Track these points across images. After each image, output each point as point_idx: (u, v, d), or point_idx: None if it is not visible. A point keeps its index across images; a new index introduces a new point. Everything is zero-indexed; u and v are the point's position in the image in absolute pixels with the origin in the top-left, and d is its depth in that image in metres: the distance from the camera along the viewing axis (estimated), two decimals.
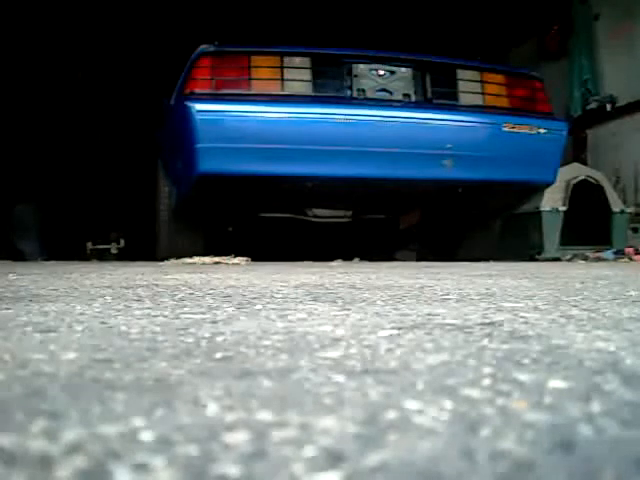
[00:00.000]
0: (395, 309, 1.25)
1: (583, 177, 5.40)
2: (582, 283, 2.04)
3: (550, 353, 0.78)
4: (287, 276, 2.35)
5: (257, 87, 3.91)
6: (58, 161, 8.24)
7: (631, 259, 4.68)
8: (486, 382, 0.62)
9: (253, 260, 4.06)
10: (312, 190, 4.28)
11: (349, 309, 1.25)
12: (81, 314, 1.18)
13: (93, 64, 8.32)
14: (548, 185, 4.69)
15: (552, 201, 5.23)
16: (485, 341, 0.87)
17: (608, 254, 4.88)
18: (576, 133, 6.25)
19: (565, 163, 4.99)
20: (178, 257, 4.08)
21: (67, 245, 7.37)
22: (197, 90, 3.87)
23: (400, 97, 4.13)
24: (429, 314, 1.17)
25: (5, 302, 1.40)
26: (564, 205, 5.27)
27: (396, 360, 0.74)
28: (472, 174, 4.19)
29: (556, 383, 0.62)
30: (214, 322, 1.06)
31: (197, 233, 4.57)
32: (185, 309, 1.26)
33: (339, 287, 1.82)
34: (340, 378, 0.64)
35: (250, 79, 3.90)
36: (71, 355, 0.77)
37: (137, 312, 1.20)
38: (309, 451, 0.43)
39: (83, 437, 0.45)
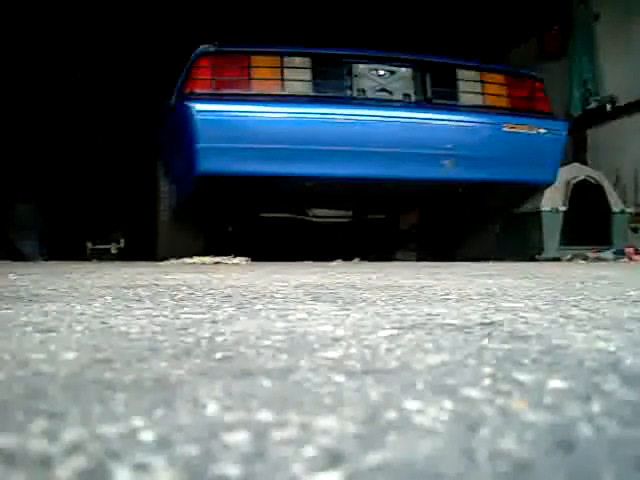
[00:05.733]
0: (395, 309, 1.25)
1: (583, 177, 5.41)
2: (582, 283, 2.04)
3: (550, 353, 0.78)
4: (287, 276, 2.35)
5: (257, 87, 3.91)
6: (58, 161, 8.24)
7: (631, 259, 4.68)
8: (486, 382, 0.62)
9: (253, 260, 4.06)
10: (312, 190, 4.28)
11: (349, 309, 1.25)
12: (81, 314, 1.18)
13: (92, 64, 8.31)
14: (548, 185, 4.69)
15: (552, 201, 5.23)
16: (485, 341, 0.87)
17: (608, 254, 4.88)
18: (576, 133, 6.25)
19: (565, 163, 4.99)
20: (178, 257, 4.07)
21: (67, 245, 7.37)
22: (197, 90, 3.87)
23: (400, 97, 4.12)
24: (429, 314, 1.17)
25: (5, 302, 1.40)
26: (564, 205, 5.27)
27: (396, 360, 0.74)
28: (472, 174, 4.18)
29: (556, 383, 0.62)
30: (214, 322, 1.06)
31: (197, 233, 4.57)
32: (185, 309, 1.26)
33: (339, 287, 1.82)
34: (340, 378, 0.64)
35: (250, 79, 3.90)
36: (71, 355, 0.77)
37: (137, 312, 1.20)
38: (309, 451, 0.43)
39: (83, 437, 0.45)
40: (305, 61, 4.00)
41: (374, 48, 4.36)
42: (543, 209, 5.22)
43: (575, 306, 1.32)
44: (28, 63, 7.86)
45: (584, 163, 6.13)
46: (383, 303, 1.37)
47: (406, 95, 4.14)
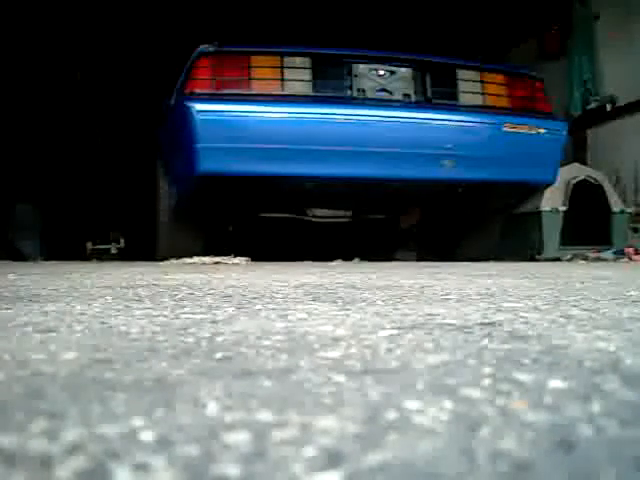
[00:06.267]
0: (395, 309, 1.25)
1: (583, 177, 5.40)
2: (582, 283, 2.04)
3: (550, 353, 0.78)
4: (287, 276, 2.35)
5: (257, 87, 3.91)
6: (58, 161, 8.24)
7: (631, 259, 4.68)
8: (486, 382, 0.62)
9: (253, 260, 4.06)
10: (312, 190, 4.28)
11: (349, 309, 1.25)
12: (81, 314, 1.18)
13: (92, 64, 8.31)
14: (548, 185, 4.69)
15: (552, 201, 5.23)
16: (485, 341, 0.87)
17: (608, 254, 4.88)
18: (576, 133, 6.25)
19: (565, 163, 4.99)
20: (178, 257, 4.07)
21: (67, 245, 7.37)
22: (197, 90, 3.87)
23: (400, 97, 4.12)
24: (429, 314, 1.17)
25: (5, 302, 1.40)
26: (564, 205, 5.27)
27: (396, 360, 0.74)
28: (472, 174, 4.18)
29: (556, 383, 0.62)
30: (214, 322, 1.06)
31: (197, 233, 4.57)
32: (185, 309, 1.26)
33: (339, 287, 1.82)
34: (340, 378, 0.64)
35: (250, 79, 3.90)
36: (71, 355, 0.77)
37: (137, 312, 1.20)
38: (309, 451, 0.43)
39: (83, 437, 0.45)
40: (305, 61, 4.01)
41: (374, 48, 4.36)
42: (543, 209, 5.22)
43: (575, 306, 1.32)
44: (28, 64, 7.86)
45: (584, 163, 6.13)
46: (383, 303, 1.37)
47: (406, 95, 4.14)
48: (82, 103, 8.52)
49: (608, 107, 6.34)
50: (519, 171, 4.28)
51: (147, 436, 0.46)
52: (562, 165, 4.73)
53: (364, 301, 1.41)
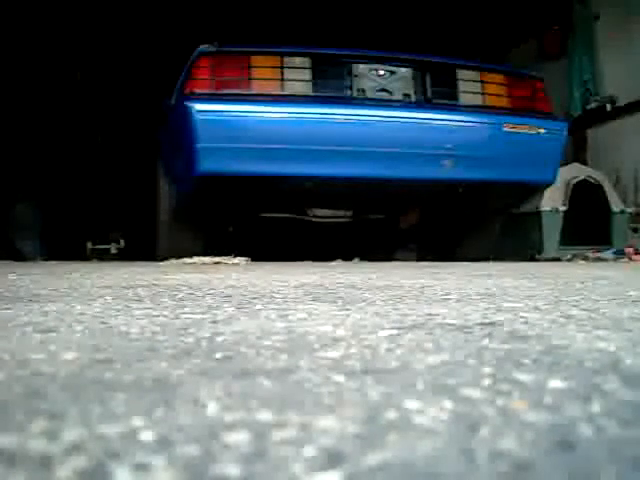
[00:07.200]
0: (395, 309, 1.25)
1: (583, 177, 5.41)
2: (582, 283, 2.04)
3: (550, 353, 0.78)
4: (287, 276, 2.35)
5: (257, 87, 3.91)
6: (58, 161, 8.24)
7: (631, 259, 4.68)
8: (486, 382, 0.62)
9: (253, 260, 4.06)
10: (312, 190, 4.28)
11: (349, 309, 1.25)
12: (81, 314, 1.18)
13: (92, 64, 8.31)
14: (548, 185, 4.69)
15: (552, 201, 5.23)
16: (485, 341, 0.87)
17: (608, 254, 4.88)
18: (576, 133, 6.25)
19: (565, 163, 4.98)
20: (178, 257, 4.07)
21: (67, 245, 7.36)
22: (197, 90, 3.87)
23: (400, 97, 4.12)
24: (429, 314, 1.17)
25: (5, 302, 1.40)
26: (564, 205, 5.27)
27: (396, 360, 0.74)
28: (472, 174, 4.18)
29: (556, 383, 0.62)
30: (214, 322, 1.06)
31: (197, 233, 4.57)
32: (185, 309, 1.26)
33: (339, 287, 1.82)
34: (340, 378, 0.64)
35: (250, 79, 3.90)
36: (71, 355, 0.77)
37: (137, 312, 1.20)
38: (309, 451, 0.43)
39: (83, 437, 0.45)
40: (305, 61, 4.00)
41: (374, 48, 4.36)
42: (543, 209, 5.22)
43: (575, 306, 1.32)
44: (28, 63, 7.86)
45: (584, 163, 6.13)
46: (383, 303, 1.37)
47: (406, 95, 4.14)
48: (82, 103, 8.52)
49: (608, 107, 6.34)
50: (519, 171, 4.28)
51: (147, 436, 0.46)
52: (562, 165, 4.73)
53: (364, 301, 1.41)
